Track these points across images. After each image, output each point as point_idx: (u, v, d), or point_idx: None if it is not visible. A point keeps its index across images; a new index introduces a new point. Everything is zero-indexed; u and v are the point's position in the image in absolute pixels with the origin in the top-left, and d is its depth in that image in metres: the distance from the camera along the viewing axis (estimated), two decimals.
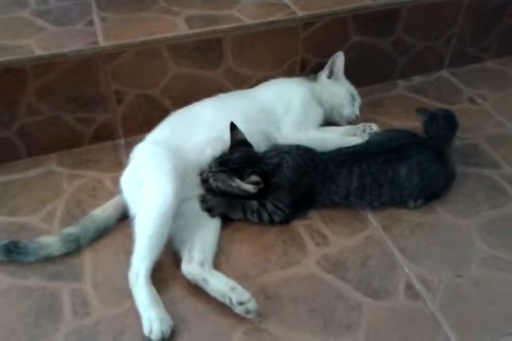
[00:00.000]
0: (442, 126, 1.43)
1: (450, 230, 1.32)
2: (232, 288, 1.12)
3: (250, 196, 1.30)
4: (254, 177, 1.26)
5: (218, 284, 1.14)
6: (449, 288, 1.19)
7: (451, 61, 1.91)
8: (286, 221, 1.33)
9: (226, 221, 1.32)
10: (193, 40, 1.51)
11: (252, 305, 1.10)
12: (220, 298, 1.13)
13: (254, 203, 1.31)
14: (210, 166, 1.31)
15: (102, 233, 1.29)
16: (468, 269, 1.23)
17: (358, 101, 1.63)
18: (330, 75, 1.59)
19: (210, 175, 1.30)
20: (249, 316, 1.11)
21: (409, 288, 1.19)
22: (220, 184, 1.30)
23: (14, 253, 1.22)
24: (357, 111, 1.61)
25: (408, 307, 1.15)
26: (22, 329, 1.10)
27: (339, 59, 1.57)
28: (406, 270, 1.23)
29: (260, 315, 1.12)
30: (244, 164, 1.29)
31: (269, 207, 1.30)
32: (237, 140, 1.34)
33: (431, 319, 1.13)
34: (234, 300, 1.10)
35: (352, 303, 1.16)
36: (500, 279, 1.21)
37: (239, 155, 1.31)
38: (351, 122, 1.60)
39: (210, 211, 1.31)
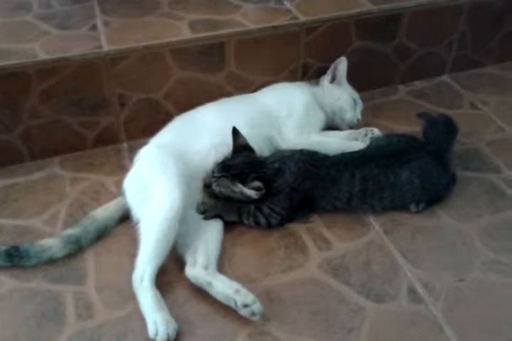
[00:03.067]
0: (442, 131, 1.44)
1: (451, 234, 1.32)
2: (237, 291, 1.12)
3: (252, 201, 1.30)
4: (257, 183, 1.27)
5: (222, 287, 1.14)
6: (450, 292, 1.19)
7: (452, 66, 1.92)
8: (282, 223, 1.33)
9: (229, 225, 1.32)
10: (196, 45, 1.52)
11: (257, 307, 1.10)
12: (224, 301, 1.14)
13: (251, 207, 1.31)
14: (212, 171, 1.32)
15: (102, 233, 1.30)
16: (470, 273, 1.23)
17: (360, 105, 1.64)
18: (332, 80, 1.60)
19: (212, 180, 1.31)
20: (255, 318, 1.11)
21: (412, 291, 1.19)
22: (222, 189, 1.30)
23: (16, 257, 1.22)
24: (359, 116, 1.61)
25: (410, 311, 1.15)
26: (25, 332, 1.11)
27: (342, 64, 1.58)
28: (408, 274, 1.23)
29: (263, 318, 1.12)
30: (246, 169, 1.29)
31: (266, 210, 1.30)
32: (240, 145, 1.34)
33: (433, 323, 1.13)
34: (239, 303, 1.10)
35: (354, 307, 1.16)
36: (501, 283, 1.21)
37: (241, 160, 1.31)
38: (353, 126, 1.60)
39: (204, 213, 1.31)
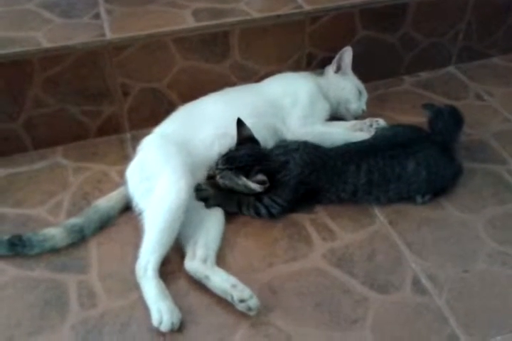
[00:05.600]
0: (447, 122, 1.43)
1: (457, 225, 1.32)
2: (234, 286, 1.12)
3: (255, 193, 1.30)
4: (261, 177, 1.26)
5: (219, 281, 1.14)
6: (455, 283, 1.18)
7: (458, 57, 1.91)
8: (281, 214, 1.32)
9: (232, 215, 1.32)
10: (200, 34, 1.51)
11: (253, 302, 1.10)
12: (222, 295, 1.14)
13: (251, 198, 1.31)
14: (216, 163, 1.31)
15: (105, 223, 1.30)
16: (475, 264, 1.23)
17: (365, 96, 1.62)
18: (337, 70, 1.59)
19: (216, 172, 1.30)
20: (251, 313, 1.11)
21: (416, 282, 1.19)
22: (226, 182, 1.29)
23: (18, 246, 1.21)
24: (364, 106, 1.60)
25: (415, 301, 1.15)
26: (29, 321, 1.11)
27: (347, 54, 1.57)
28: (412, 265, 1.22)
29: (266, 308, 1.12)
30: (251, 162, 1.28)
31: (266, 200, 1.30)
32: (244, 136, 1.33)
33: (437, 314, 1.13)
34: (235, 298, 1.10)
35: (358, 297, 1.16)
36: (506, 274, 1.20)
37: (245, 152, 1.30)
38: (358, 117, 1.59)
39: (205, 201, 1.30)
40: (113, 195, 1.34)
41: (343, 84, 1.58)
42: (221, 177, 1.29)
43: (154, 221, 1.19)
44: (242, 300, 1.10)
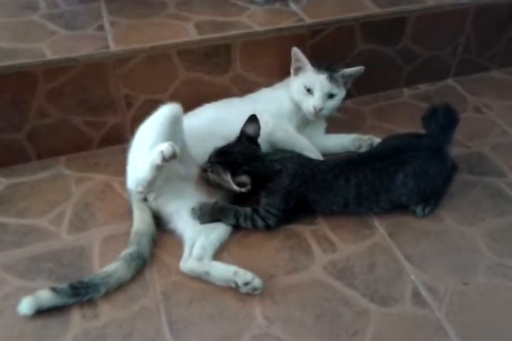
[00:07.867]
0: (441, 123, 1.39)
1: (456, 238, 1.33)
2: (235, 273, 1.19)
3: (244, 194, 1.30)
4: (244, 178, 1.26)
5: (220, 273, 1.20)
6: (455, 296, 1.19)
7: (457, 70, 1.93)
8: (279, 225, 1.33)
9: (233, 227, 1.33)
10: (203, 46, 1.53)
11: (256, 282, 1.18)
12: (225, 284, 1.19)
13: (247, 210, 1.31)
14: (210, 156, 1.31)
15: (155, 240, 1.28)
16: (475, 277, 1.23)
17: (318, 92, 1.47)
18: (296, 73, 1.53)
19: (208, 165, 1.31)
20: (257, 292, 1.18)
21: (416, 295, 1.19)
22: (215, 176, 1.29)
23: (81, 288, 1.14)
24: (316, 102, 1.47)
25: (414, 314, 1.16)
26: (31, 332, 1.11)
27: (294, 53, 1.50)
28: (412, 277, 1.23)
29: (267, 319, 1.13)
30: (241, 160, 1.29)
31: (262, 212, 1.31)
32: (245, 133, 1.33)
33: (437, 326, 1.13)
34: (240, 283, 1.17)
35: (358, 309, 1.16)
36: (506, 287, 1.21)
37: (239, 150, 1.31)
38: (321, 118, 1.54)
39: (200, 218, 1.30)
40: (140, 215, 1.31)
41: (292, 85, 1.53)
42: (211, 171, 1.30)
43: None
44: (246, 284, 1.17)
